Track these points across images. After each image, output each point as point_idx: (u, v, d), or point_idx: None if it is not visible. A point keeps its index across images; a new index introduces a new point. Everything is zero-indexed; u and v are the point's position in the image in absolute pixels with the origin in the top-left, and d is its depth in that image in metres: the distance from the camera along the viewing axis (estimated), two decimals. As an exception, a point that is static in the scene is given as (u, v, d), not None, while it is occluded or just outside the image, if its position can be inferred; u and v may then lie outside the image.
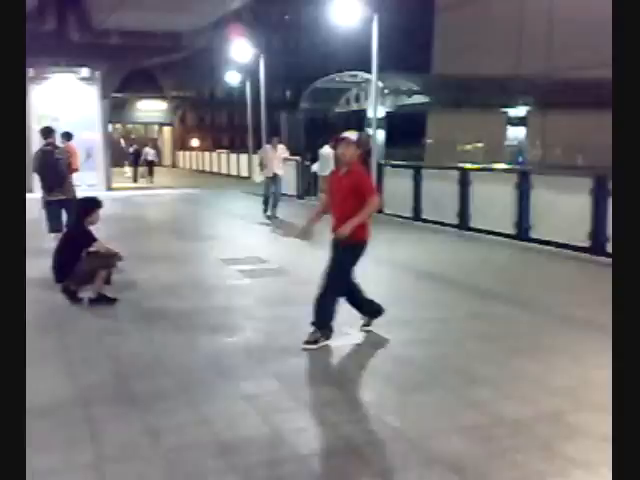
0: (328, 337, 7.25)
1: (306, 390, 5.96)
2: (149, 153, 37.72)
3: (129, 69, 33.73)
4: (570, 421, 5.26)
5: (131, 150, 38.44)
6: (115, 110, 44.38)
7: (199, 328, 7.97)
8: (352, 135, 7.54)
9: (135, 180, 36.67)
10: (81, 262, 9.00)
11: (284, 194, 19.24)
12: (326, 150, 20.54)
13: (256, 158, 28.16)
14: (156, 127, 67.31)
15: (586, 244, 12.33)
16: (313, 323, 7.23)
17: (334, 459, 4.68)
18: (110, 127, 39.03)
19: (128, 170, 38.29)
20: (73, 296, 9.10)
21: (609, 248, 11.43)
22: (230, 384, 6.12)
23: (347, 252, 7.24)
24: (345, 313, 8.29)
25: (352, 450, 4.83)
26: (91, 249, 9.08)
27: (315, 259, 12.76)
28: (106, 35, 28.58)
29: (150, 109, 64.59)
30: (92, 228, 9.29)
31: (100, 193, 15.57)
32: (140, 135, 63.86)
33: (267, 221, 18.43)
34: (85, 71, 29.96)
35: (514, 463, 4.60)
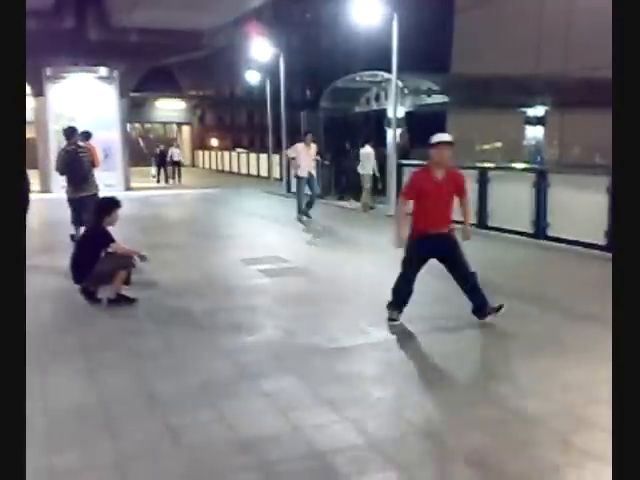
0: None
1: (326, 387, 6.00)
2: (174, 153, 37.68)
3: (148, 68, 33.68)
4: (586, 415, 5.32)
5: (157, 151, 38.33)
6: (133, 109, 44.40)
7: (219, 327, 8.03)
8: (449, 137, 7.65)
9: (159, 180, 36.63)
10: (99, 263, 9.03)
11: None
12: (366, 150, 20.61)
13: (276, 158, 28.08)
14: (175, 126, 67.28)
15: (603, 242, 12.33)
16: (480, 307, 7.90)
17: (354, 455, 4.72)
18: (129, 127, 39.03)
19: (154, 171, 38.17)
20: (92, 297, 9.13)
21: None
22: (250, 382, 6.17)
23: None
24: (365, 312, 8.36)
25: (372, 446, 4.88)
26: (109, 250, 9.13)
27: (334, 259, 12.89)
28: (125, 34, 28.45)
29: (169, 108, 64.47)
30: (111, 228, 9.33)
31: (119, 193, 15.63)
32: (159, 135, 63.82)
33: (301, 222, 17.90)
34: (103, 70, 29.98)
35: (530, 456, 4.67)
